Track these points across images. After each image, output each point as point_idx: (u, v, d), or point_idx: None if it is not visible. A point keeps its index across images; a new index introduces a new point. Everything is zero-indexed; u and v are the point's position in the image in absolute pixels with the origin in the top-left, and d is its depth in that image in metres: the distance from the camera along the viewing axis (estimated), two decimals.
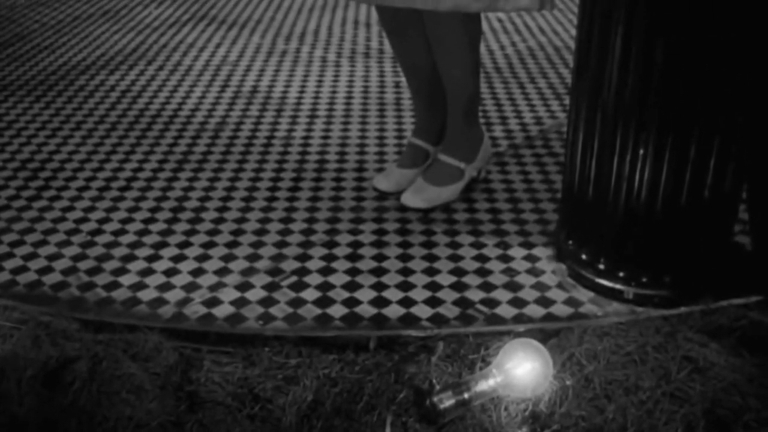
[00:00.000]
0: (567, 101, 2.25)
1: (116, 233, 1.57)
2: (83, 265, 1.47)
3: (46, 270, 1.45)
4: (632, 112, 1.22)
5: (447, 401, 1.05)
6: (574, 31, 2.93)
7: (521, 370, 1.06)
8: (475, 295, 1.38)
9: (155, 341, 1.16)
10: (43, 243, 1.54)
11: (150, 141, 1.98)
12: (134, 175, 1.81)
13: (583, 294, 1.38)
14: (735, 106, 1.19)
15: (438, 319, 1.31)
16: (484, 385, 1.05)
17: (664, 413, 0.99)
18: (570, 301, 1.36)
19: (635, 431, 0.98)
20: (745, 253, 1.41)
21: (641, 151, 1.23)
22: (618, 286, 1.35)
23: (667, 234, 1.28)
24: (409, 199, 1.65)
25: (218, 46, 2.70)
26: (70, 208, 1.66)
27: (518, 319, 1.31)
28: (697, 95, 1.17)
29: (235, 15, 3.08)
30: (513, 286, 1.40)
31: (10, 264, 1.47)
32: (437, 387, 1.07)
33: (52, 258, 1.49)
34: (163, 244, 1.53)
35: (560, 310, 1.34)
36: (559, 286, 1.40)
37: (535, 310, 1.34)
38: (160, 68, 2.48)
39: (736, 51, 1.14)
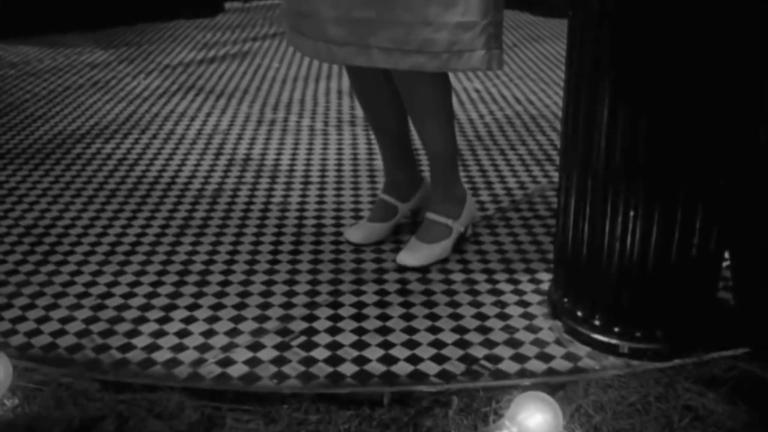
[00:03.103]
0: (547, 167, 2.39)
1: (126, 296, 1.61)
2: (96, 327, 1.50)
3: (60, 333, 1.48)
4: (621, 178, 1.33)
5: None
6: (547, 100, 3.12)
7: (533, 421, 1.12)
8: (478, 351, 1.45)
9: (177, 400, 1.19)
10: (54, 306, 1.57)
11: (150, 207, 2.04)
12: (138, 240, 1.86)
13: (580, 349, 1.45)
14: (717, 171, 1.31)
15: (445, 375, 1.37)
16: None
17: None
18: (568, 356, 1.43)
19: None
20: (729, 308, 1.52)
21: (631, 215, 1.34)
22: (613, 341, 1.43)
23: (658, 291, 1.38)
24: (404, 258, 1.75)
25: (208, 115, 2.80)
26: (78, 272, 1.70)
27: (521, 373, 1.38)
28: (681, 162, 1.29)
29: (222, 85, 3.20)
30: (513, 343, 1.47)
31: (23, 327, 1.50)
32: None
33: (64, 321, 1.52)
34: (173, 307, 1.58)
35: (560, 364, 1.41)
36: (557, 342, 1.48)
37: (536, 365, 1.41)
38: (154, 137, 2.55)
39: (716, 123, 1.27)
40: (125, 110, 2.82)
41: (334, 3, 1.56)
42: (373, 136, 2.62)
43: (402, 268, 1.74)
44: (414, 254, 1.74)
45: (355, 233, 1.85)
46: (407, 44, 1.54)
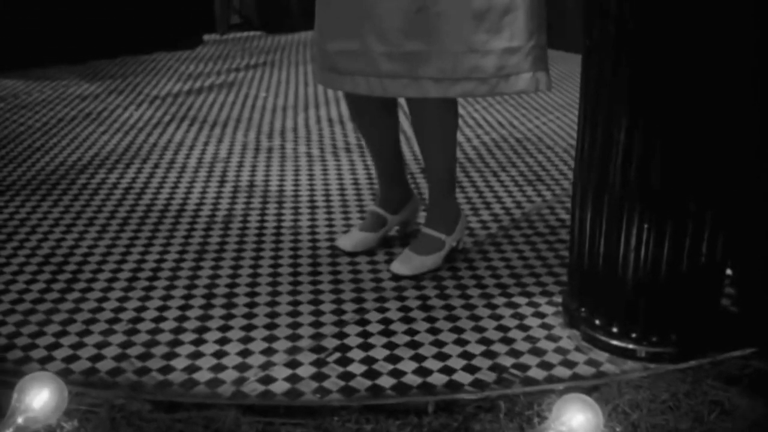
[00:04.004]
0: (538, 186, 2.50)
1: (156, 320, 1.65)
2: (133, 351, 1.53)
3: (98, 357, 1.51)
4: (636, 194, 1.43)
5: None
6: (529, 125, 3.25)
7: (576, 421, 1.20)
8: (505, 361, 1.52)
9: (233, 416, 1.24)
10: (87, 333, 1.59)
11: (165, 234, 2.08)
12: (159, 266, 1.89)
13: (599, 355, 1.54)
14: (724, 186, 1.42)
15: (479, 384, 1.44)
16: None
17: None
18: (590, 362, 1.52)
19: None
20: (731, 313, 1.63)
21: (645, 227, 1.44)
22: (631, 346, 1.52)
23: (672, 298, 1.48)
24: (397, 267, 1.87)
25: (206, 144, 2.85)
26: (105, 299, 1.73)
27: (549, 379, 1.46)
28: (692, 179, 1.40)
29: (214, 115, 3.25)
30: (537, 352, 1.56)
31: (60, 353, 1.52)
32: None
33: (100, 346, 1.55)
34: (205, 329, 1.62)
35: (583, 369, 1.50)
36: (577, 349, 1.57)
37: (561, 371, 1.49)
38: (156, 166, 2.59)
39: (725, 144, 1.38)
40: (123, 141, 2.85)
41: (383, 39, 1.63)
42: (370, 161, 2.71)
43: (421, 286, 1.82)
44: (407, 264, 1.86)
45: (346, 241, 1.98)
46: (456, 72, 1.62)
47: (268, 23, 5.39)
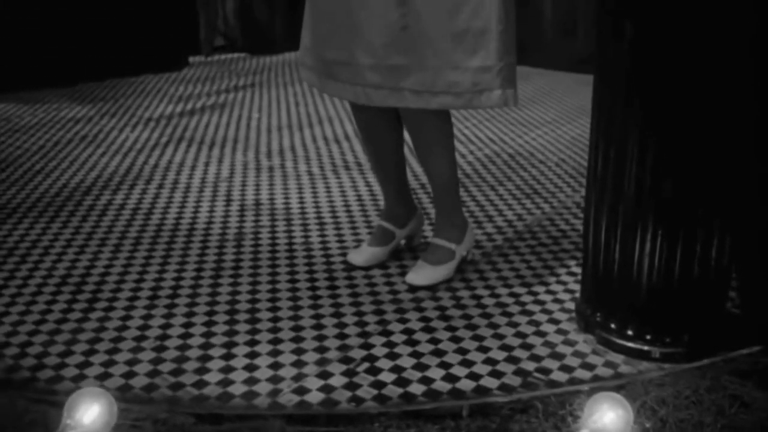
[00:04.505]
0: (536, 199, 2.58)
1: (183, 336, 1.67)
2: (164, 367, 1.56)
3: (131, 374, 1.53)
4: (650, 205, 1.51)
5: None
6: (519, 140, 3.34)
7: (607, 418, 1.26)
8: (528, 365, 1.58)
9: (279, 427, 1.27)
10: (116, 350, 1.61)
11: (179, 252, 2.10)
12: (177, 284, 1.92)
13: (615, 357, 1.61)
14: (730, 194, 1.51)
15: (505, 388, 1.50)
16: None
17: None
18: (608, 364, 1.59)
19: None
20: (735, 314, 1.71)
21: (660, 235, 1.52)
22: (645, 348, 1.59)
23: (683, 300, 1.56)
24: (412, 278, 1.94)
25: (207, 164, 2.88)
26: (128, 317, 1.75)
27: (572, 381, 1.52)
28: (703, 189, 1.49)
29: (210, 136, 3.28)
30: (556, 356, 1.62)
31: (92, 371, 1.54)
32: None
33: (131, 363, 1.57)
34: (232, 344, 1.65)
35: (602, 371, 1.56)
36: (594, 352, 1.63)
37: (582, 373, 1.55)
38: (160, 186, 2.61)
39: (733, 157, 1.48)
40: (123, 162, 2.87)
41: (371, 52, 1.74)
42: (371, 178, 2.77)
43: (436, 297, 1.87)
44: (420, 275, 1.94)
45: (358, 257, 2.04)
46: (435, 86, 1.74)
47: (252, 45, 5.44)
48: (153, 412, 1.32)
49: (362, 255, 2.04)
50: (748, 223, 1.60)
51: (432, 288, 1.91)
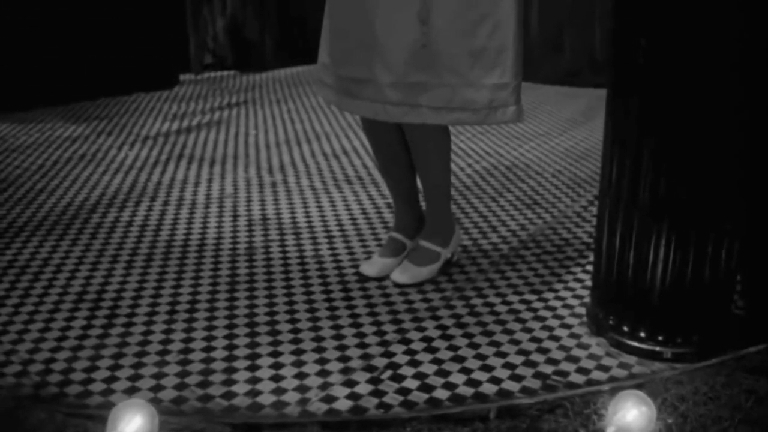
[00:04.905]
0: (537, 210, 2.64)
1: (206, 350, 1.70)
2: (191, 380, 1.58)
3: (158, 387, 1.55)
4: (664, 212, 1.57)
5: None
6: (514, 153, 3.41)
7: (631, 415, 1.31)
8: (546, 368, 1.63)
9: None
10: (140, 365, 1.63)
11: (192, 267, 2.12)
12: (194, 298, 1.94)
13: (628, 359, 1.67)
14: (740, 199, 1.58)
15: (527, 391, 1.54)
16: (610, 430, 1.28)
17: None
18: (622, 365, 1.64)
19: None
20: (739, 315, 1.77)
21: (674, 241, 1.57)
22: (658, 348, 1.65)
23: (694, 301, 1.62)
24: (397, 276, 2.03)
25: (210, 180, 2.90)
26: (149, 332, 1.77)
27: (589, 382, 1.57)
28: (716, 195, 1.55)
29: (209, 153, 3.30)
30: (572, 359, 1.67)
31: (119, 386, 1.55)
32: None
33: (157, 377, 1.59)
34: (256, 356, 1.67)
35: (618, 372, 1.62)
36: (608, 354, 1.68)
37: (599, 374, 1.61)
38: (166, 203, 2.63)
39: (743, 167, 1.55)
40: (125, 180, 2.88)
41: (392, 70, 1.79)
42: (374, 192, 2.81)
43: (449, 305, 1.91)
44: (404, 274, 2.02)
45: (370, 268, 2.09)
46: (452, 102, 1.80)
47: (242, 62, 5.48)
48: (190, 423, 1.34)
49: (375, 266, 2.09)
50: (756, 226, 1.67)
51: (445, 297, 1.95)
